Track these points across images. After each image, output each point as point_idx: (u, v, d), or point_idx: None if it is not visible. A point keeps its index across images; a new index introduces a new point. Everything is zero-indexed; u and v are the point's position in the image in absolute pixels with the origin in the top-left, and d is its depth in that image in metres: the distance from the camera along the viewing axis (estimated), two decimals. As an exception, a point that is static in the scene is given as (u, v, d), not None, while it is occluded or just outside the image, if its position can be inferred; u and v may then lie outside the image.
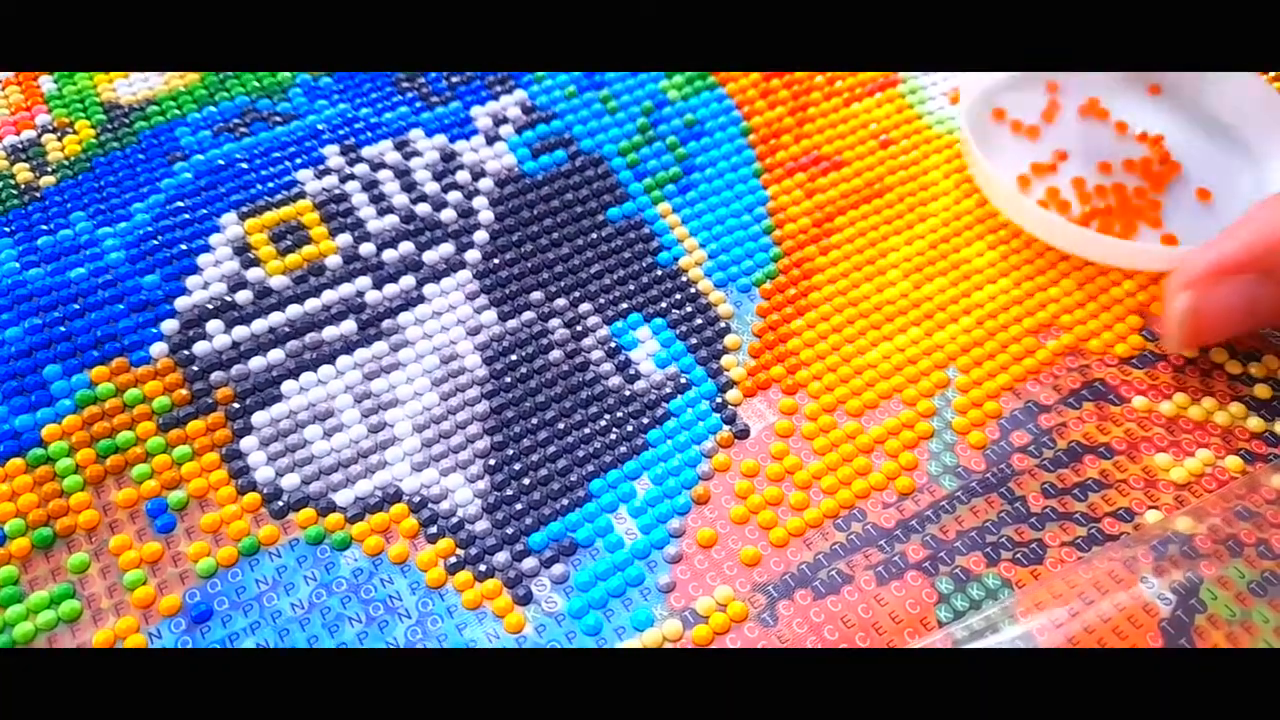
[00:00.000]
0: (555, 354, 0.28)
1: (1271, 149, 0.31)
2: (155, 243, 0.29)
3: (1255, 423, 0.27)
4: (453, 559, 0.24)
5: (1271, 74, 0.34)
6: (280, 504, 0.25)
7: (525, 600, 0.24)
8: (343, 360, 0.27)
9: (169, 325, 0.27)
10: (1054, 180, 0.31)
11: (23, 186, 0.30)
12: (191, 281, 0.28)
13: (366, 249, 0.29)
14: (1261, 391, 0.27)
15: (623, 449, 0.26)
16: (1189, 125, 0.33)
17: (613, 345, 0.28)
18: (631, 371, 0.27)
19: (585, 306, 0.29)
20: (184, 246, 0.29)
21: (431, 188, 0.30)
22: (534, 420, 0.26)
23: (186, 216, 0.29)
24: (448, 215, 0.30)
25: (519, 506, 0.25)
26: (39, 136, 0.31)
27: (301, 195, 0.30)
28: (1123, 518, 0.25)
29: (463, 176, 0.31)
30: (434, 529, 0.25)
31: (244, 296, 0.28)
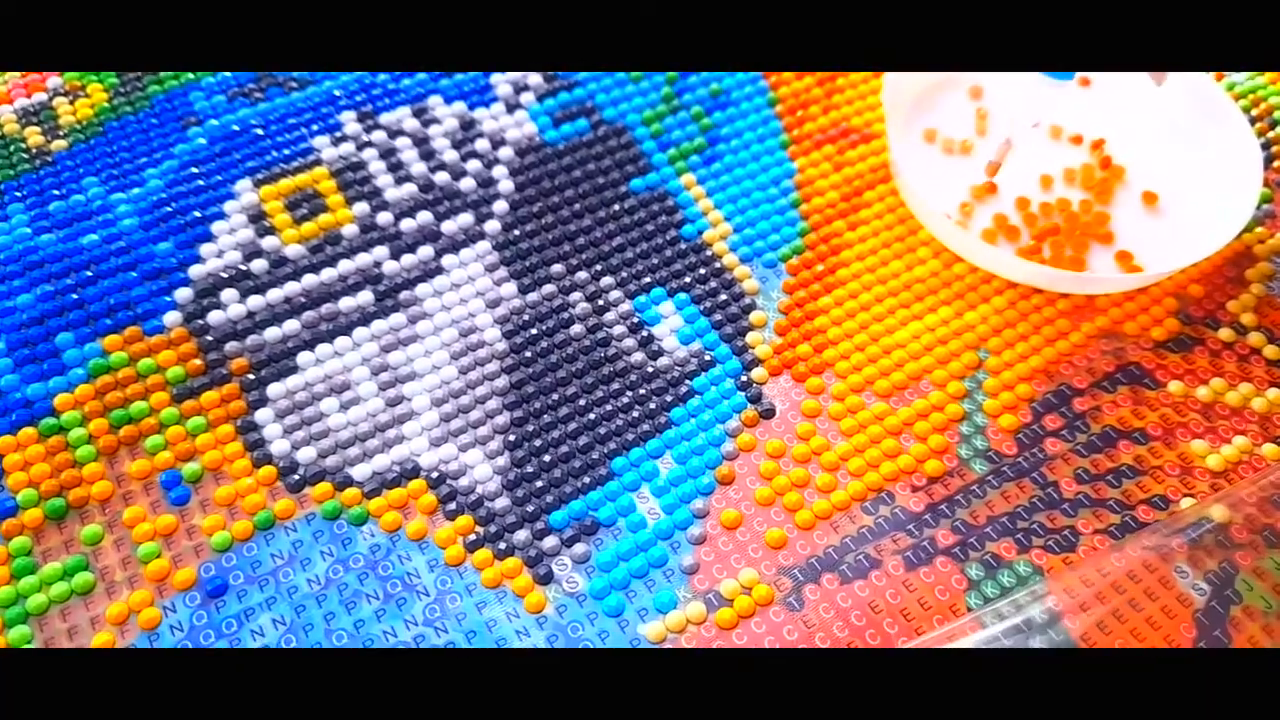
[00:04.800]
0: (576, 328, 0.27)
1: (1213, 138, 0.30)
2: (169, 209, 0.28)
3: (1295, 409, 0.26)
4: (472, 536, 0.24)
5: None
6: (296, 478, 0.24)
7: (546, 580, 0.23)
8: (359, 332, 0.27)
9: (183, 294, 0.27)
10: (997, 204, 0.29)
11: (34, 150, 0.29)
12: (206, 249, 0.28)
13: (384, 218, 0.28)
14: (1301, 377, 0.26)
15: (645, 427, 0.26)
16: (1123, 121, 0.31)
17: (635, 320, 0.27)
18: (654, 347, 0.27)
19: (607, 280, 0.28)
20: (198, 213, 0.28)
21: (450, 156, 0.30)
22: (554, 396, 0.26)
23: (201, 183, 0.29)
24: (467, 184, 0.29)
25: (539, 484, 0.25)
26: (50, 99, 0.30)
27: (318, 162, 0.29)
28: (1157, 505, 0.24)
29: (482, 145, 0.30)
30: (452, 506, 0.24)
31: (259, 265, 0.27)
